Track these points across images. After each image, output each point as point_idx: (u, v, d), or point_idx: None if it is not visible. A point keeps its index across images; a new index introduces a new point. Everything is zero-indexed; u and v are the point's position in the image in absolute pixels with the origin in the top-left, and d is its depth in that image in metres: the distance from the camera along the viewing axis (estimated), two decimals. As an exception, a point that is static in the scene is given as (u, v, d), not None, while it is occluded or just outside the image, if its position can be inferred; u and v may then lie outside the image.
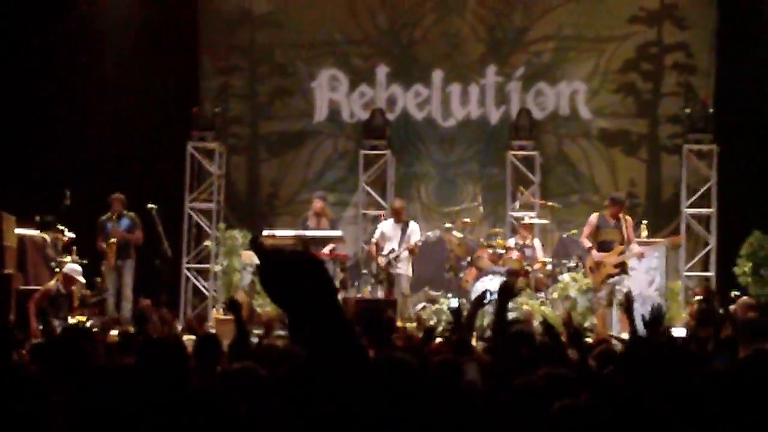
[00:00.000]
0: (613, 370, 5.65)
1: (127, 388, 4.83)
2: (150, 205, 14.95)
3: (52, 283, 13.80)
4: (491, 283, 14.63)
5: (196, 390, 4.17)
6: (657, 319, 7.45)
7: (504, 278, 14.73)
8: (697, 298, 15.05)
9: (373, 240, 15.69)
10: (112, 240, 15.28)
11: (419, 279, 15.89)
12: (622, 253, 14.10)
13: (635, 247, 14.23)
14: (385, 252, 15.31)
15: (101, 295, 14.99)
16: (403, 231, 15.39)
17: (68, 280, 13.74)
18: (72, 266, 14.04)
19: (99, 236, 15.45)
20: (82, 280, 14.04)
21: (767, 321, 12.42)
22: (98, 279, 15.20)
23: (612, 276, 14.09)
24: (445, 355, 5.99)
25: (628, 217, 14.45)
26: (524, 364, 5.79)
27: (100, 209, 15.55)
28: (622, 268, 14.17)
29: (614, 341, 10.64)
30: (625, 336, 12.85)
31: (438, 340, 10.68)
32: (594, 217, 14.47)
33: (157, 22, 17.99)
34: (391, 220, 15.76)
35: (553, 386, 4.76)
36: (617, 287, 14.02)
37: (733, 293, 14.57)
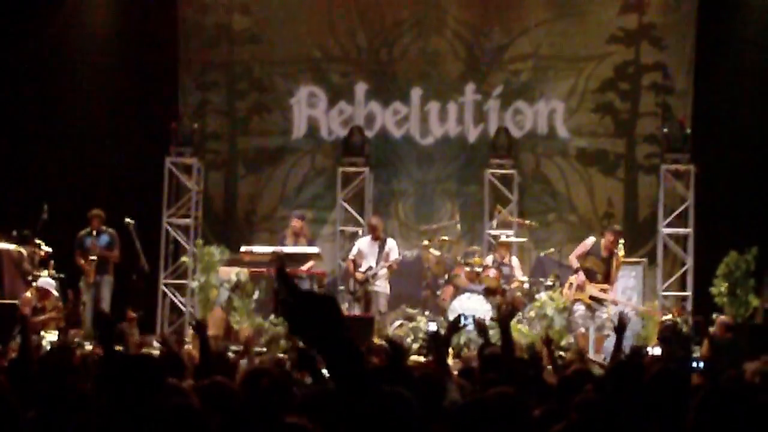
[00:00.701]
0: (591, 391, 5.65)
1: (100, 406, 4.79)
2: (127, 220, 14.88)
3: (28, 295, 13.72)
4: (468, 302, 14.68)
5: (170, 405, 4.14)
6: (622, 327, 7.65)
7: (481, 296, 14.80)
8: (664, 317, 15.06)
9: (350, 257, 15.66)
10: (92, 258, 15.18)
11: (396, 297, 15.85)
12: (604, 291, 14.26)
13: (613, 293, 14.43)
14: (362, 269, 15.30)
15: (73, 308, 14.85)
16: (381, 248, 15.38)
17: (42, 293, 13.67)
18: (46, 280, 13.97)
19: (77, 251, 15.36)
20: (56, 293, 13.96)
21: (744, 341, 12.49)
22: (69, 291, 15.06)
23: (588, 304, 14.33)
24: (429, 376, 5.98)
25: (622, 255, 14.51)
26: (489, 384, 5.78)
27: (78, 224, 15.46)
28: (597, 301, 14.35)
29: (591, 364, 10.67)
30: (600, 358, 12.94)
31: (421, 359, 10.73)
32: (590, 242, 14.63)
33: (136, 37, 17.96)
34: (368, 237, 15.74)
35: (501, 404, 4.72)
36: (597, 313, 14.26)
37: (715, 315, 14.55)
